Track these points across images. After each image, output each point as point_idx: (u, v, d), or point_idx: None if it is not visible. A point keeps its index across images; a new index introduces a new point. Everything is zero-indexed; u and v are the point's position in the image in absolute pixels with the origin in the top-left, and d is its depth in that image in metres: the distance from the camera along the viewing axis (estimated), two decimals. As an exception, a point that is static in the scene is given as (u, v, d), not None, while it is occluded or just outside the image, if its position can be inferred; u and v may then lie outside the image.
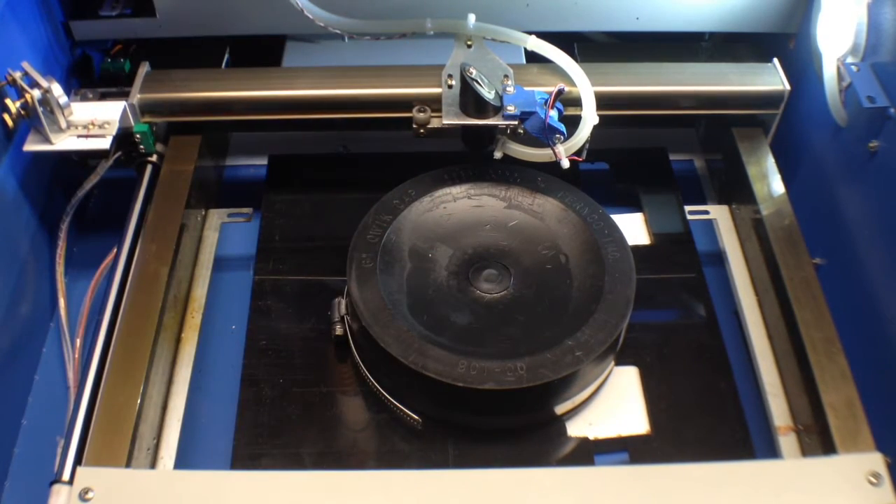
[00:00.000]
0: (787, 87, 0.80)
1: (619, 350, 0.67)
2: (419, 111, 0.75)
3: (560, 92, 0.72)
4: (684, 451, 0.64)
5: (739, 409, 0.67)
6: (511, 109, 0.71)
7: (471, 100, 0.71)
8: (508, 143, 0.74)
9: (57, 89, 0.71)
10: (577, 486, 0.54)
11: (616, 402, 0.67)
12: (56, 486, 0.57)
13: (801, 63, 0.84)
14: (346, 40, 0.92)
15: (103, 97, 0.82)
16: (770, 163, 0.80)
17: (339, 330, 0.69)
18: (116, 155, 0.77)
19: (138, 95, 0.79)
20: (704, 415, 0.67)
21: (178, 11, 0.87)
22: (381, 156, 0.88)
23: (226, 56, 0.92)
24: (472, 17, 0.75)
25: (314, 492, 0.54)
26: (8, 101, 0.71)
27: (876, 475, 0.54)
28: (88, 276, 0.76)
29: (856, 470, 0.55)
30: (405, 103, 0.77)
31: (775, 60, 0.82)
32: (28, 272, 0.74)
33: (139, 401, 0.61)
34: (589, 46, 0.94)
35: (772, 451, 0.65)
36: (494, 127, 0.72)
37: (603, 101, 0.74)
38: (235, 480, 0.56)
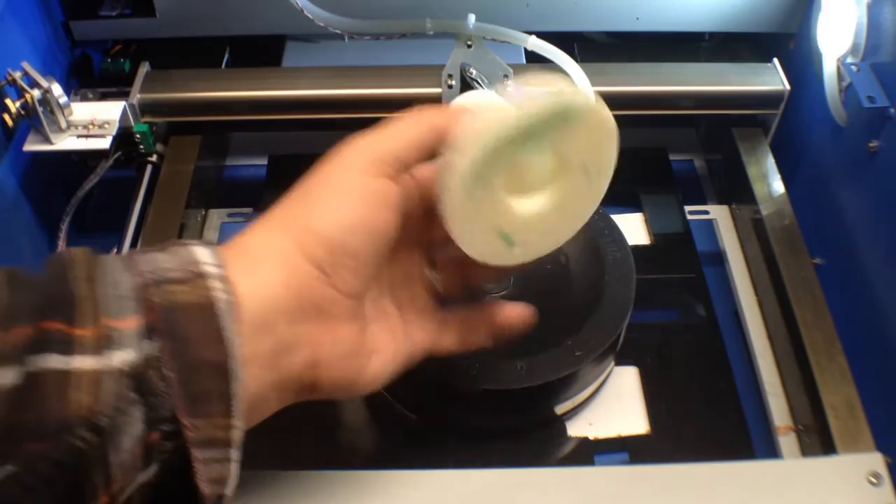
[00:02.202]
0: (787, 87, 0.80)
1: (619, 350, 0.67)
2: (419, 111, 0.75)
3: (560, 92, 0.72)
4: (684, 451, 0.64)
5: (739, 409, 0.67)
6: (511, 109, 0.71)
7: (471, 100, 0.71)
8: (508, 143, 0.73)
9: (57, 89, 0.71)
10: (577, 486, 0.54)
11: (616, 402, 0.67)
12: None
13: (801, 63, 0.84)
14: (346, 40, 0.92)
15: (103, 97, 0.82)
16: (770, 163, 0.80)
17: (339, 330, 0.69)
18: (116, 155, 0.77)
19: (138, 95, 0.79)
20: (704, 415, 0.66)
21: (178, 11, 0.87)
22: (381, 156, 0.88)
23: (226, 56, 0.92)
24: (472, 17, 0.75)
25: (314, 492, 0.54)
26: (8, 101, 0.71)
27: (876, 475, 0.54)
28: (88, 276, 0.76)
29: (856, 470, 0.55)
30: (405, 103, 0.76)
31: (775, 60, 0.82)
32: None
33: (139, 401, 0.61)
34: (589, 46, 0.93)
35: (772, 451, 0.65)
36: (494, 127, 0.72)
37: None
38: (235, 480, 0.56)
